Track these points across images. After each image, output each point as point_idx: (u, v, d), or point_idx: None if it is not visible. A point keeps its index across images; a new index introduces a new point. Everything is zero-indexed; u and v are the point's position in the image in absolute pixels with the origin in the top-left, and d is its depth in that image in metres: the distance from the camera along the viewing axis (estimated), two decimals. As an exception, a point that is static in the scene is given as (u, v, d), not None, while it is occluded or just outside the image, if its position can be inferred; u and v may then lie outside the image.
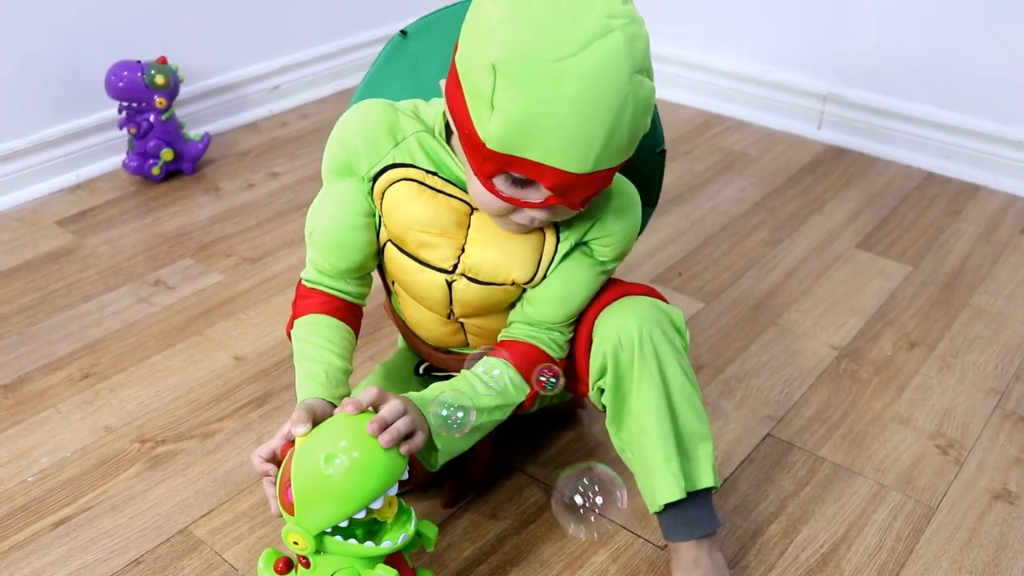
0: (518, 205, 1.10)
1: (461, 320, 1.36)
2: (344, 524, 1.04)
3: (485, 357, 1.30)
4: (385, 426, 1.06)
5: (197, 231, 2.29)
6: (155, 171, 2.47)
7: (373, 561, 1.12)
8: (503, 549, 1.41)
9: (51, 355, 1.86)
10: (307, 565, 1.14)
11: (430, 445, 1.16)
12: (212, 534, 1.45)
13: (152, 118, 2.43)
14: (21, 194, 2.43)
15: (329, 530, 1.05)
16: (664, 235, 2.28)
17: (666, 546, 1.38)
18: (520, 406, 1.29)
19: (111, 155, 2.58)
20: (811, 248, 2.25)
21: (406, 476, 1.08)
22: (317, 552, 1.10)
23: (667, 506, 1.26)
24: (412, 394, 1.17)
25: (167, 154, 2.46)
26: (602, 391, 1.28)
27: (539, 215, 1.12)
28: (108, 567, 1.40)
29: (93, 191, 2.47)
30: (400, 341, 1.60)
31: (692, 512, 1.27)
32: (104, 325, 1.94)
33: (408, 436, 1.08)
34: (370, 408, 1.10)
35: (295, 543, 1.09)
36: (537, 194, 1.08)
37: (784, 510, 1.51)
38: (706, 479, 1.26)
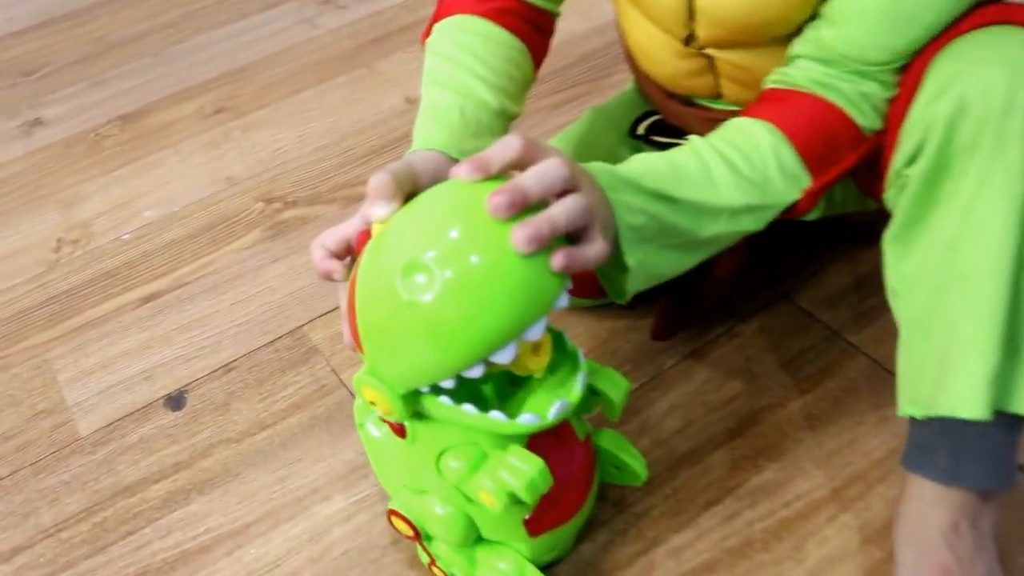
0: None
1: (708, 51, 0.81)
2: (448, 384, 0.59)
3: (737, 119, 0.74)
4: (526, 205, 0.55)
5: (386, -60, 1.79)
6: None
7: (507, 439, 0.64)
8: (756, 428, 0.89)
9: (184, 82, 1.46)
10: (401, 433, 0.68)
11: (615, 261, 0.64)
12: (332, 342, 1.02)
13: None
14: None
15: (426, 389, 0.60)
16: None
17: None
18: (791, 209, 0.73)
19: None
20: None
21: (565, 302, 0.58)
22: (417, 416, 0.64)
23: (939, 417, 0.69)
24: (597, 165, 0.65)
25: None
26: (904, 185, 0.71)
27: None
28: (190, 369, 1.01)
29: None
30: (630, 82, 1.05)
31: (976, 444, 0.69)
32: (254, 49, 1.51)
33: (573, 237, 0.59)
34: (512, 175, 0.58)
35: (372, 402, 0.63)
36: None
37: None
38: None
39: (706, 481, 0.84)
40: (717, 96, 0.87)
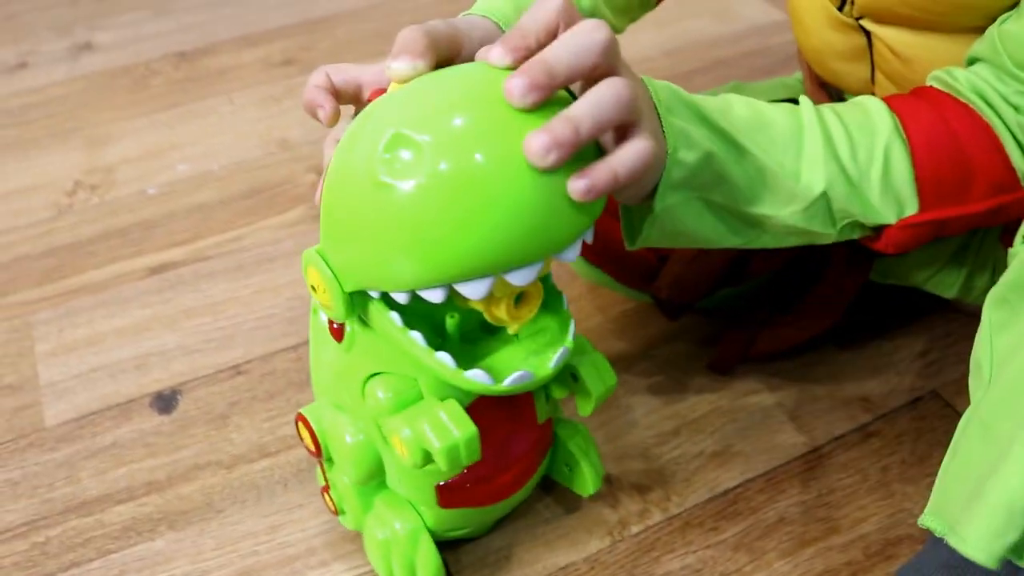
0: None
1: (865, 23, 0.64)
2: (402, 299, 0.47)
3: (865, 96, 0.59)
4: (552, 87, 0.43)
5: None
6: None
7: (449, 390, 0.53)
8: (888, 566, 0.68)
9: (254, 25, 1.29)
10: (339, 337, 0.55)
11: (637, 190, 0.51)
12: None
13: None
14: None
15: (375, 295, 0.49)
16: None
17: None
18: (876, 236, 0.59)
19: None
20: None
21: (573, 254, 0.47)
22: (361, 322, 0.53)
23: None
24: (659, 82, 0.52)
25: None
26: None
27: None
28: (190, 364, 0.82)
29: None
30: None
31: None
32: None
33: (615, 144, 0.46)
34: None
35: (313, 287, 0.51)
36: None
37: None
38: None
39: (818, 634, 0.63)
40: (869, 86, 0.68)
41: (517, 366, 0.51)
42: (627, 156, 0.44)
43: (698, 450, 0.74)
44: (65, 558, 0.68)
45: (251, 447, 0.75)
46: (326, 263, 0.49)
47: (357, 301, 0.50)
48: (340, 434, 0.58)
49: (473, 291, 0.44)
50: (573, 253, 0.46)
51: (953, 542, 0.46)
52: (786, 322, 0.78)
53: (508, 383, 0.49)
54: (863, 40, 0.65)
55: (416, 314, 0.52)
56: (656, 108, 0.49)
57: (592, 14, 0.67)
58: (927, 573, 0.53)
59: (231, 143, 1.08)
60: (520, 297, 0.50)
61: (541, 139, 0.41)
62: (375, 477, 0.60)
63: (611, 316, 0.85)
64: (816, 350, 0.81)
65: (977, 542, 0.45)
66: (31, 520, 0.71)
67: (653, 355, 0.82)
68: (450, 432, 0.50)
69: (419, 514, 0.60)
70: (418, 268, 0.44)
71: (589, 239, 0.48)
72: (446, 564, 0.66)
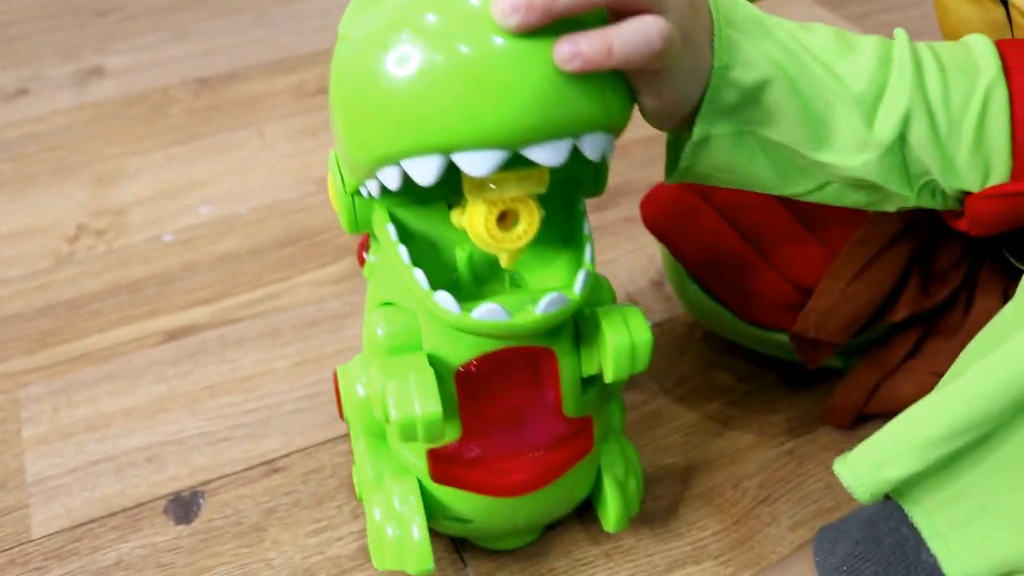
0: None
1: None
2: (374, 188, 0.45)
3: (973, 36, 0.50)
4: (543, 12, 0.37)
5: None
6: None
7: (449, 332, 0.48)
8: None
9: (287, 50, 1.15)
10: (360, 261, 0.55)
11: (668, 103, 0.43)
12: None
13: None
14: None
15: (364, 193, 0.47)
16: None
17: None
18: (958, 208, 0.50)
19: None
20: None
21: (589, 149, 0.42)
22: (377, 246, 0.52)
23: None
24: None
25: None
26: None
27: None
28: (215, 457, 0.66)
29: None
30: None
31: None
32: (381, 23, 1.18)
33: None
34: None
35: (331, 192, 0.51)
36: None
37: None
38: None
39: None
40: None
41: (520, 301, 0.46)
42: (629, 29, 0.38)
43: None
44: None
45: (294, 570, 0.59)
46: (338, 166, 0.48)
47: (361, 213, 0.49)
48: (353, 384, 0.54)
49: (421, 171, 0.40)
50: (550, 156, 0.40)
51: (837, 470, 0.44)
52: (917, 369, 0.62)
53: (476, 315, 0.45)
54: (1001, 12, 0.54)
55: (426, 249, 0.50)
56: (711, 14, 0.43)
57: None
58: (848, 526, 0.48)
59: (262, 182, 0.92)
60: (513, 220, 0.45)
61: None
62: (374, 430, 0.55)
63: (709, 375, 0.69)
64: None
65: (855, 469, 0.43)
66: (8, 670, 0.54)
67: (771, 425, 0.65)
68: (411, 406, 0.46)
69: (421, 496, 0.53)
70: (363, 136, 0.41)
71: (591, 153, 0.41)
72: None
